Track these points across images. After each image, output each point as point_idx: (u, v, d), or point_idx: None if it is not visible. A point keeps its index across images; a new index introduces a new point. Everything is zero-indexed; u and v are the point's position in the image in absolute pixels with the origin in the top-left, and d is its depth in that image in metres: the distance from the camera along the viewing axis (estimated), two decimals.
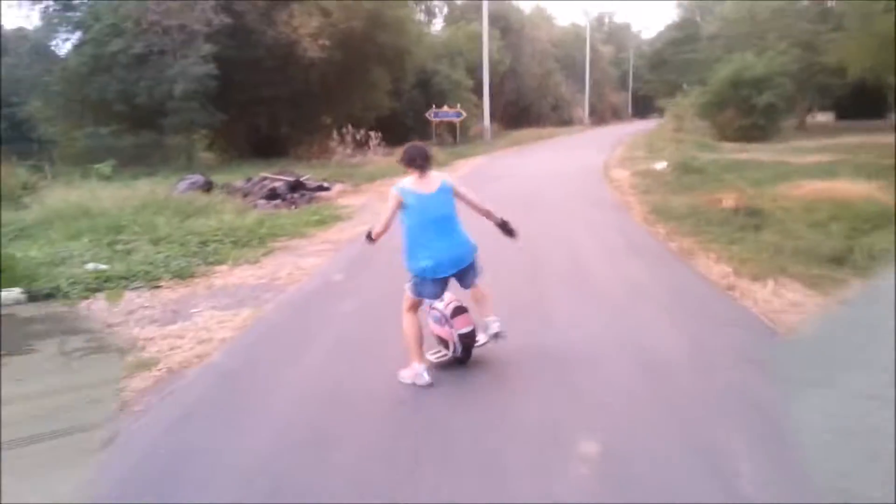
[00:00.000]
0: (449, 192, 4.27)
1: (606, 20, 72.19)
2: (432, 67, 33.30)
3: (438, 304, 4.47)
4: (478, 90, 34.64)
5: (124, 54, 22.35)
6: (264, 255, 8.27)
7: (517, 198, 12.39)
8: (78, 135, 23.82)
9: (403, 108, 31.74)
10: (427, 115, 27.09)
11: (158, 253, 8.13)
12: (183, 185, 16.14)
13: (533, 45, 46.62)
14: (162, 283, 6.98)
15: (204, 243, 8.59)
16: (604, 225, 9.59)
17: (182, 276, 7.22)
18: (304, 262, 7.86)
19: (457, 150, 26.22)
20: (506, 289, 5.79)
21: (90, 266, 7.76)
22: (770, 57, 29.99)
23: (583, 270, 6.93)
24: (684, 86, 36.93)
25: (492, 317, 4.46)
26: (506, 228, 4.64)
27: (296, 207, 13.70)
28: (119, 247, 8.83)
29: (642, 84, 42.96)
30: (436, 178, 4.29)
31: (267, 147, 26.07)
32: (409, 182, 4.28)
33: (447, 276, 4.23)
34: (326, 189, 15.33)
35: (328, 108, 25.73)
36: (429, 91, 32.41)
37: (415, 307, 4.37)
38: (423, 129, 31.96)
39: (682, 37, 37.30)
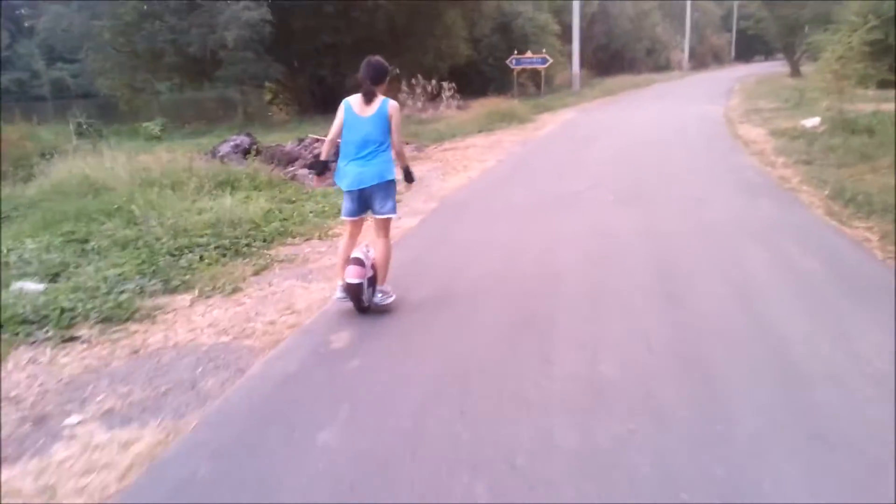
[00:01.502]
0: (384, 119, 4.30)
1: None
2: (513, 9, 29.52)
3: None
4: (564, 35, 30.73)
5: None
6: (255, 273, 5.45)
7: (621, 175, 9.15)
8: (128, 91, 21.79)
9: (481, 56, 28.30)
10: (508, 62, 23.52)
11: (116, 266, 5.52)
12: (225, 147, 13.69)
13: None
14: (82, 332, 4.33)
15: (179, 250, 5.90)
16: (770, 226, 6.22)
17: (116, 317, 4.53)
18: (305, 293, 4.98)
19: (541, 101, 22.71)
20: None
21: (15, 287, 5.21)
22: None
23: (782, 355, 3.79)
24: (805, 27, 31.78)
25: (381, 286, 4.56)
26: (406, 173, 4.70)
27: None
28: (92, 244, 6.33)
29: (753, 23, 37.37)
30: (378, 102, 4.30)
31: (332, 101, 23.32)
32: (355, 99, 4.36)
33: (350, 190, 4.38)
34: None
35: (397, 57, 22.60)
36: (510, 36, 28.73)
37: (348, 234, 4.64)
38: (503, 79, 28.42)
39: None
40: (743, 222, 6.37)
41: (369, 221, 4.71)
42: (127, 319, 4.53)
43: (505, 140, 13.85)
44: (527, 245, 5.96)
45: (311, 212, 7.53)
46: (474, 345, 3.86)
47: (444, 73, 24.28)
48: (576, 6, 25.28)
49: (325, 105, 23.19)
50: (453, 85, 21.40)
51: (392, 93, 24.82)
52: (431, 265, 5.45)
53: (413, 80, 21.07)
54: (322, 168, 4.70)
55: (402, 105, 21.50)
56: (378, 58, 4.41)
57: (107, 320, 4.48)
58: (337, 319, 4.38)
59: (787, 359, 3.50)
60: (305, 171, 11.38)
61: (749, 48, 65.72)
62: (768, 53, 69.15)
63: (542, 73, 23.91)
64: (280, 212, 7.43)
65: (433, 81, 21.22)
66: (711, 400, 3.09)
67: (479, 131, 15.74)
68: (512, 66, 23.32)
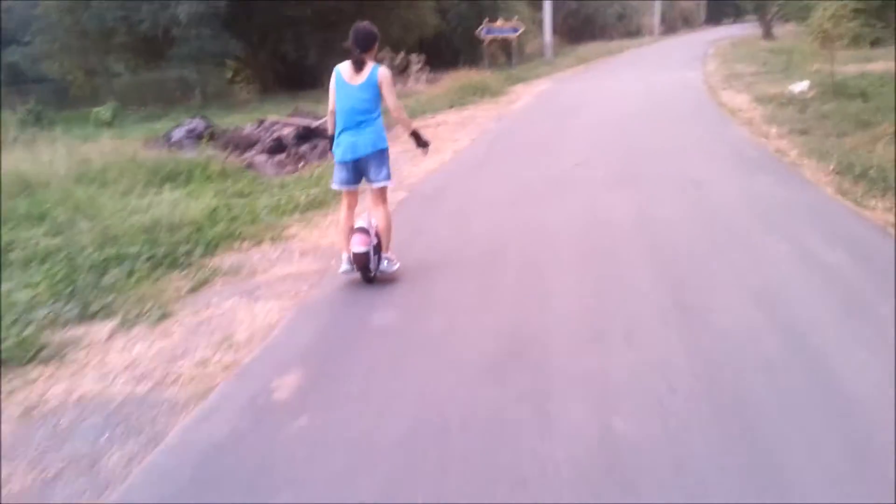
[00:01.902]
0: (373, 86, 4.25)
1: None
2: None
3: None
4: (534, 2, 29.67)
5: None
6: (193, 290, 4.60)
7: (607, 153, 8.38)
8: (80, 74, 20.42)
9: (451, 27, 27.16)
10: (477, 32, 22.46)
11: (30, 287, 4.65)
12: (179, 132, 12.69)
13: None
14: None
15: (106, 262, 5.02)
16: (778, 211, 5.50)
17: (16, 358, 3.68)
18: (248, 317, 4.12)
19: (514, 72, 21.75)
20: None
21: None
22: None
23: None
24: None
25: (386, 253, 4.54)
26: (417, 138, 4.69)
27: (304, 165, 10.03)
28: (13, 254, 5.44)
29: None
30: (368, 69, 4.24)
31: (296, 78, 22.23)
32: (345, 67, 4.32)
33: (345, 161, 4.35)
34: None
35: None
36: (479, 4, 27.50)
37: (345, 205, 4.59)
38: (473, 50, 27.29)
39: None
40: (748, 206, 5.65)
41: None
42: (30, 360, 3.69)
43: (478, 115, 12.98)
44: (507, 245, 5.18)
45: (265, 207, 6.65)
46: (452, 390, 3.08)
47: (413, 45, 23.19)
48: None
49: (290, 83, 22.06)
50: (422, 57, 20.39)
51: None
52: (399, 275, 4.65)
53: (379, 54, 20.03)
54: (333, 144, 4.50)
55: None
56: (366, 23, 4.36)
57: (5, 363, 3.64)
58: (284, 354, 3.57)
59: (838, 392, 2.78)
60: (263, 157, 10.48)
61: (719, 11, 64.88)
62: (737, 16, 68.47)
63: (514, 43, 22.91)
64: (229, 209, 6.54)
65: (401, 55, 20.19)
66: (757, 463, 2.37)
67: (451, 106, 14.84)
68: (482, 37, 22.28)
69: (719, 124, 9.82)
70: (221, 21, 18.68)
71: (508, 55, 27.06)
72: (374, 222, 4.50)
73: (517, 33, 22.00)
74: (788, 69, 13.46)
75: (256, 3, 19.60)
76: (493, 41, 23.67)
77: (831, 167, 6.46)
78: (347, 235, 4.41)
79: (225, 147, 11.37)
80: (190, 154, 10.21)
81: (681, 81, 16.08)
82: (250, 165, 9.91)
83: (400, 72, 20.62)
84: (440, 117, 13.45)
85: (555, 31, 29.85)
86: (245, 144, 11.46)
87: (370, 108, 4.29)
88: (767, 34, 34.21)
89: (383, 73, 4.27)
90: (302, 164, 10.08)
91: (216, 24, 18.51)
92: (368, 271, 4.41)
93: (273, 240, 5.69)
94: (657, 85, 15.59)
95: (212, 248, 5.48)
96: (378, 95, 4.30)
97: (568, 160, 7.89)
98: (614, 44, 33.73)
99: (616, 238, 5.10)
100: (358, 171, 4.42)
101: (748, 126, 9.25)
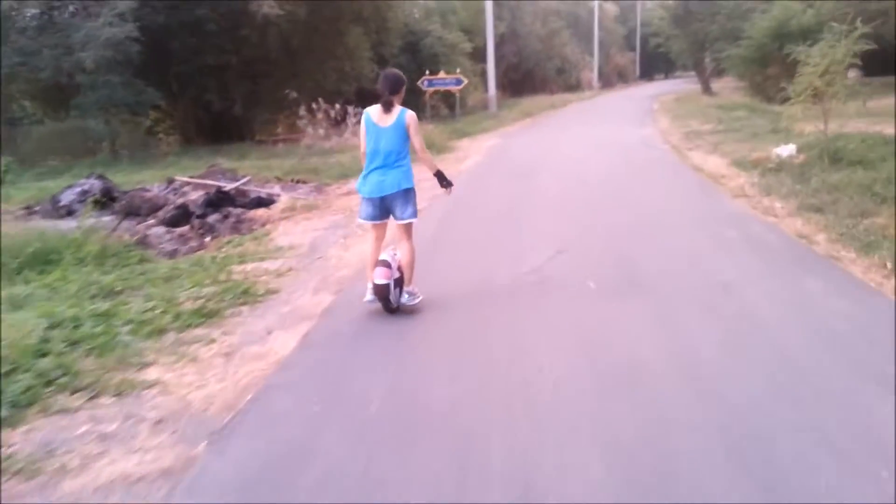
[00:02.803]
0: (402, 128, 4.44)
1: None
2: (422, 27, 27.18)
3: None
4: (475, 54, 28.68)
5: (20, 15, 16.53)
6: None
7: (587, 237, 6.70)
8: None
9: None
10: (419, 83, 21.01)
11: None
12: (69, 194, 10.62)
13: (535, 1, 40.28)
14: None
15: None
16: (858, 343, 3.82)
17: None
18: None
19: (457, 125, 20.32)
20: None
21: None
22: (819, 4, 24.26)
23: None
24: (714, 43, 31.06)
25: (408, 287, 4.70)
26: (441, 179, 4.86)
27: (211, 240, 8.04)
28: None
29: (664, 40, 36.54)
30: (396, 112, 4.44)
31: (221, 129, 20.21)
32: (374, 109, 4.51)
33: (372, 197, 4.54)
34: (268, 204, 9.60)
35: (293, 80, 19.74)
36: (419, 56, 26.32)
37: (374, 238, 4.77)
38: (414, 102, 25.90)
39: None
40: (813, 334, 3.93)
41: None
42: None
43: (422, 177, 11.24)
44: (479, 421, 3.23)
45: (130, 322, 4.63)
46: None
47: (350, 96, 21.57)
48: (489, 24, 23.15)
49: (215, 134, 20.01)
50: (359, 109, 18.73)
51: (291, 119, 21.96)
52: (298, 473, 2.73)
53: (314, 105, 18.27)
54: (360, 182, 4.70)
55: (303, 133, 18.66)
56: (394, 70, 4.75)
57: None
58: None
59: None
60: (162, 229, 8.44)
61: (651, 66, 66.26)
62: (668, 71, 70.19)
63: (458, 95, 21.56)
64: (76, 326, 4.51)
65: (337, 106, 18.49)
66: None
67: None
68: (424, 88, 20.83)
69: (707, 195, 8.31)
70: (134, 68, 16.61)
71: (450, 107, 25.79)
72: (397, 257, 4.65)
73: (461, 85, 20.65)
74: (779, 131, 12.16)
75: (175, 50, 17.64)
76: (434, 93, 22.28)
77: (888, 265, 4.90)
78: (373, 266, 4.57)
79: (124, 213, 9.35)
80: (69, 225, 8.19)
81: (639, 139, 14.82)
82: (143, 241, 7.86)
83: (335, 124, 18.93)
84: None
85: (497, 84, 28.85)
86: (148, 209, 9.44)
87: (399, 148, 4.48)
88: (706, 88, 34.22)
89: (410, 115, 4.49)
90: (209, 238, 8.10)
91: (127, 70, 16.42)
92: (389, 303, 4.57)
93: (119, 391, 3.65)
94: (615, 143, 14.23)
95: (19, 407, 3.44)
96: (406, 136, 4.49)
97: (538, 248, 6.08)
98: (556, 97, 32.99)
99: (649, 412, 3.15)
100: (384, 207, 4.60)
101: (745, 199, 7.74)
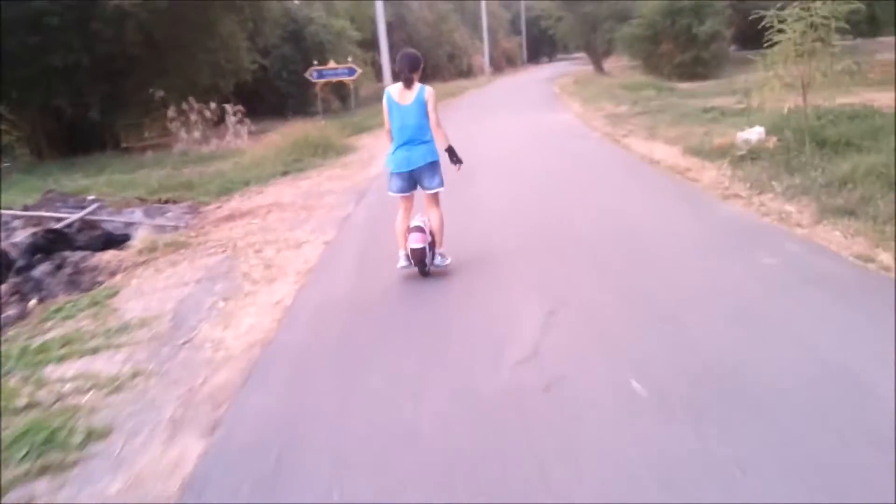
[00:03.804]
0: (422, 105, 4.62)
1: None
2: (304, 15, 24.55)
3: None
4: (364, 43, 26.39)
5: None
6: None
7: (560, 266, 4.86)
8: None
9: (274, 70, 23.03)
10: (308, 74, 18.52)
11: None
12: None
13: None
14: None
15: None
16: None
17: None
18: None
19: (355, 119, 18.08)
20: None
21: None
22: None
23: None
24: (604, 24, 30.29)
25: (439, 249, 4.95)
26: (451, 155, 4.86)
27: (38, 303, 5.58)
28: None
29: (554, 21, 35.52)
30: (416, 89, 4.63)
31: (77, 139, 16.97)
32: (395, 88, 4.71)
33: (400, 171, 4.74)
34: (121, 242, 7.12)
35: (160, 77, 16.81)
36: (303, 45, 23.74)
37: (402, 209, 4.91)
38: (302, 95, 23.41)
39: None
40: None
41: None
42: None
43: (326, 189, 9.04)
44: None
45: None
46: None
47: (230, 92, 18.81)
48: (379, 8, 20.89)
49: (71, 145, 16.76)
50: (240, 108, 16.14)
51: (159, 122, 18.89)
52: None
53: (186, 105, 15.52)
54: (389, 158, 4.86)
55: (176, 137, 15.87)
56: (411, 49, 5.01)
57: None
58: None
59: None
60: None
61: (538, 50, 65.88)
62: (552, 54, 70.18)
63: (351, 86, 19.23)
64: None
65: (213, 104, 15.83)
66: None
67: (284, 173, 10.81)
68: (313, 80, 18.36)
69: (687, 197, 6.59)
70: None
71: (342, 98, 23.40)
72: (427, 222, 4.83)
73: (354, 75, 18.37)
74: (701, 111, 10.79)
75: (12, 50, 14.31)
76: (326, 84, 19.89)
77: None
78: (404, 235, 4.81)
79: None
80: None
81: (561, 127, 13.22)
82: None
83: (214, 124, 16.28)
84: (271, 192, 9.36)
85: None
86: None
87: (422, 123, 4.66)
88: (599, 69, 33.50)
89: (429, 91, 4.67)
90: (34, 301, 5.66)
91: None
92: (424, 265, 4.80)
93: None
94: (539, 134, 12.46)
95: None
96: (426, 112, 4.64)
97: (519, 309, 4.18)
98: (452, 85, 31.09)
99: None
100: (412, 180, 4.80)
101: (737, 200, 6.12)
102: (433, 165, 4.72)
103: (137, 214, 8.74)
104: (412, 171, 4.68)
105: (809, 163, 6.56)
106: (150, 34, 16.22)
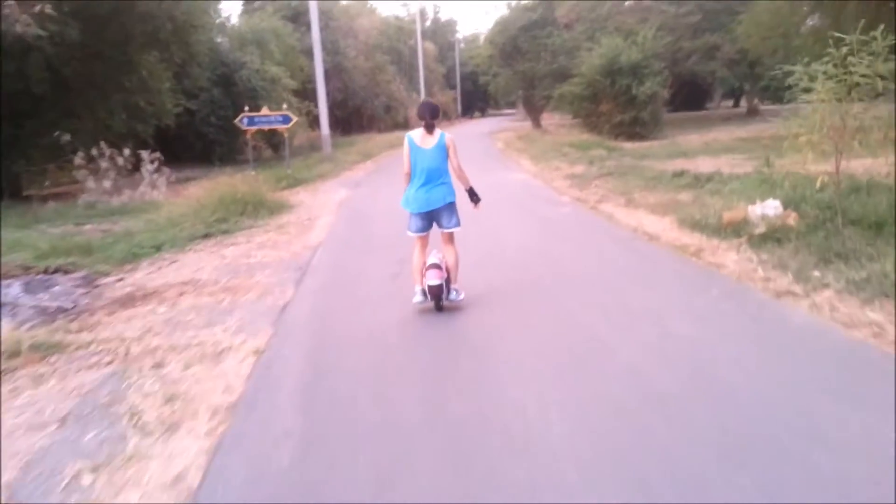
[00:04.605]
0: (443, 148, 4.88)
1: (431, 13, 64.06)
2: (237, 58, 22.81)
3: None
4: (297, 91, 24.89)
5: None
6: None
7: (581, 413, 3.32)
8: None
9: (202, 114, 21.08)
10: (237, 121, 16.71)
11: None
12: None
13: (357, 36, 37.16)
14: None
15: None
16: None
17: None
18: None
19: (289, 171, 16.30)
20: None
21: None
22: (643, 41, 23.73)
23: None
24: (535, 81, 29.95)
25: (454, 285, 5.06)
26: (472, 194, 5.15)
27: None
28: None
29: (491, 77, 35.05)
30: (437, 135, 4.89)
31: None
32: (416, 133, 4.94)
33: (419, 212, 4.96)
34: None
35: (67, 119, 14.66)
36: (233, 90, 21.98)
37: (419, 247, 5.10)
38: (230, 142, 21.62)
39: (538, 19, 29.86)
40: None
41: None
42: None
43: (257, 262, 7.23)
44: None
45: None
46: None
47: (150, 136, 16.74)
48: (317, 55, 19.40)
49: None
50: (158, 155, 14.13)
51: (67, 168, 16.53)
52: None
53: (95, 151, 13.42)
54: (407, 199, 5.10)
55: (82, 187, 13.68)
56: (431, 99, 5.78)
57: None
58: None
59: None
60: None
61: (471, 104, 66.02)
62: (484, 109, 70.59)
63: (285, 135, 17.54)
64: None
65: (127, 151, 13.78)
66: None
67: (206, 235, 8.97)
68: (244, 127, 16.57)
69: (732, 295, 4.93)
70: None
71: (275, 148, 21.61)
72: (443, 258, 4.99)
73: (290, 123, 16.68)
74: (674, 175, 9.60)
75: None
76: (257, 132, 18.11)
77: None
78: (421, 272, 4.97)
79: None
80: None
81: (520, 187, 11.93)
82: None
83: (129, 172, 14.21)
84: (187, 262, 7.51)
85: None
86: None
87: (441, 167, 4.91)
88: (536, 124, 33.06)
89: (450, 138, 4.94)
90: None
91: None
92: (440, 300, 4.96)
93: None
94: (500, 195, 10.70)
95: None
96: (446, 156, 4.92)
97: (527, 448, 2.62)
98: (392, 136, 29.70)
99: None
100: (430, 219, 5.03)
101: (797, 301, 4.73)
102: (451, 206, 4.98)
103: (14, 289, 6.73)
104: (431, 211, 4.92)
105: (857, 248, 5.35)
106: (59, 71, 14.16)
